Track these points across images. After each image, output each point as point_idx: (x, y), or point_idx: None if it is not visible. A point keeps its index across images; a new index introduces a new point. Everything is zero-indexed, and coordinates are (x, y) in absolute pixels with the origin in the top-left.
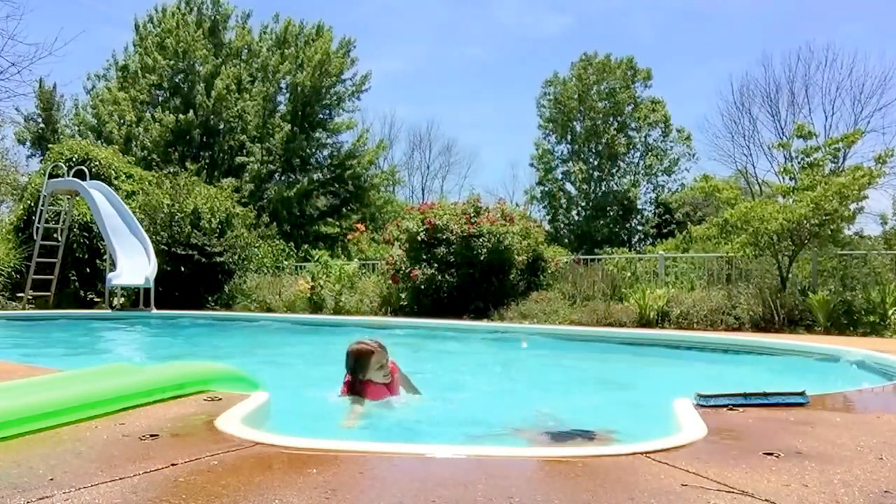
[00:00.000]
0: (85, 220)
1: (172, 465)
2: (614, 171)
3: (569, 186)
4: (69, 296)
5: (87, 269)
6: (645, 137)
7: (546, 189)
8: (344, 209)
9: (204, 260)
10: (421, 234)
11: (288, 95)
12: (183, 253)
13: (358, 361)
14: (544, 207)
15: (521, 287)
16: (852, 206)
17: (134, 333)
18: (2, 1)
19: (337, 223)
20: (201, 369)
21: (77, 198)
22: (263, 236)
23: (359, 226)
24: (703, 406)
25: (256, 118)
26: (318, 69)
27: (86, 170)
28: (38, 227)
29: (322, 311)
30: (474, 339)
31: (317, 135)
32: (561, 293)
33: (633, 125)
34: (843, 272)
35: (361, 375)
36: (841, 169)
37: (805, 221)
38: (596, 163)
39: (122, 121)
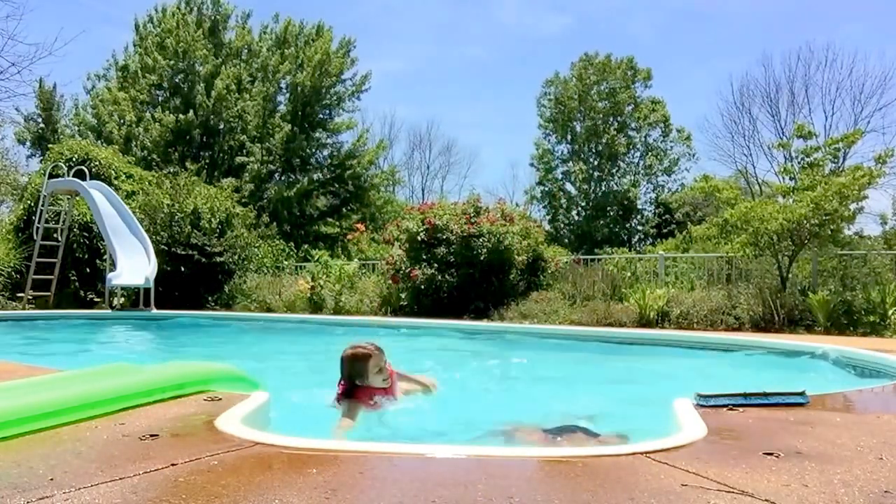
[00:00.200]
0: (85, 220)
1: (172, 465)
2: (614, 171)
3: (569, 186)
4: (69, 296)
5: (87, 269)
6: (645, 137)
7: (546, 189)
8: (344, 209)
9: (204, 260)
10: (421, 234)
11: (288, 95)
12: (183, 253)
13: (355, 367)
14: (544, 207)
15: (521, 287)
16: (852, 206)
17: (134, 333)
18: (2, 1)
19: (337, 223)
20: (201, 369)
21: (77, 198)
22: (263, 236)
23: (359, 226)
24: (703, 406)
25: (256, 118)
26: (318, 69)
27: (86, 170)
28: (38, 227)
29: (322, 311)
30: (474, 339)
31: (317, 135)
32: (561, 293)
33: (633, 125)
34: (843, 272)
35: (360, 381)
36: (841, 169)
37: (805, 221)
38: (596, 163)
39: (122, 121)
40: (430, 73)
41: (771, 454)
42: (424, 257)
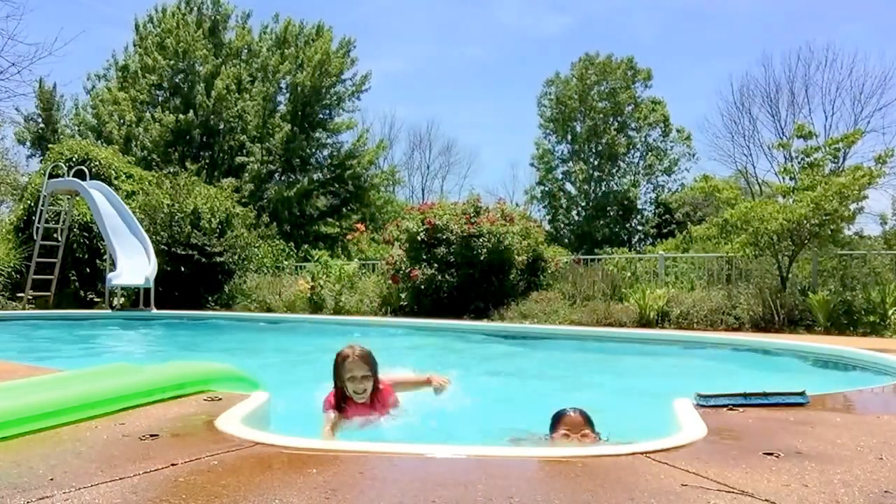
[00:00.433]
0: (85, 220)
1: (172, 465)
2: (614, 171)
3: (569, 186)
4: (69, 296)
5: (87, 269)
6: (645, 137)
7: (546, 189)
8: (344, 209)
9: (204, 260)
10: (421, 234)
11: (288, 95)
12: (183, 253)
13: (334, 366)
14: (544, 207)
15: (521, 287)
16: (852, 206)
17: (134, 333)
18: (2, 1)
19: (337, 223)
20: (201, 369)
21: (77, 198)
22: (263, 236)
23: (359, 226)
24: (703, 406)
25: (256, 118)
26: (318, 69)
27: (86, 170)
28: (38, 227)
29: (322, 311)
30: (474, 339)
31: (317, 135)
32: (561, 293)
33: (633, 125)
34: (843, 272)
35: (338, 382)
36: (841, 169)
37: (805, 221)
38: (596, 163)
39: (122, 121)
40: (430, 73)
41: (771, 454)
42: (424, 257)
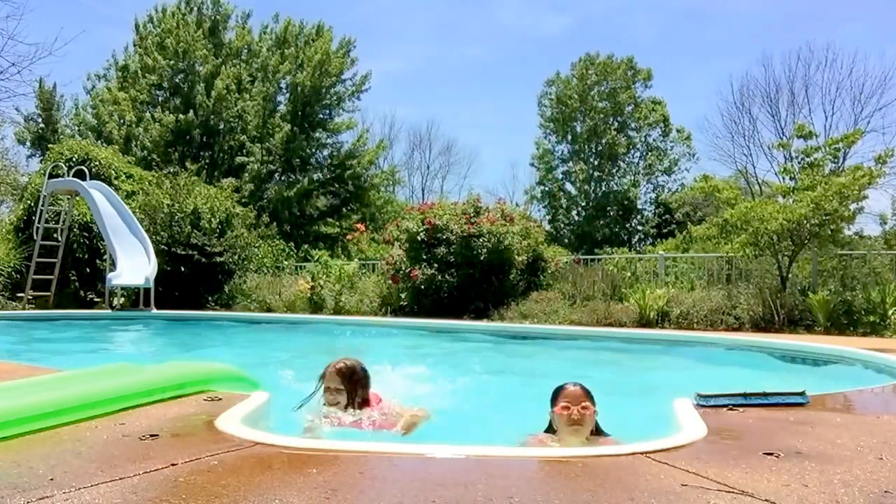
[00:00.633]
0: (85, 220)
1: (172, 465)
2: (614, 171)
3: (569, 186)
4: (69, 296)
5: (87, 269)
6: (645, 137)
7: (546, 189)
8: (344, 209)
9: (204, 260)
10: (421, 234)
11: (288, 95)
12: (183, 253)
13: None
14: (544, 207)
15: (521, 287)
16: (852, 206)
17: (134, 333)
18: (2, 1)
19: (337, 223)
20: (201, 369)
21: (77, 198)
22: (263, 236)
23: (359, 226)
24: (703, 406)
25: (256, 118)
26: (318, 69)
27: (86, 170)
28: (38, 227)
29: (322, 311)
30: (473, 339)
31: (317, 135)
32: (561, 293)
33: (633, 125)
34: (843, 272)
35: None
36: (841, 169)
37: (805, 221)
38: (596, 163)
39: (122, 121)
40: (430, 73)
41: (771, 454)
42: (424, 257)
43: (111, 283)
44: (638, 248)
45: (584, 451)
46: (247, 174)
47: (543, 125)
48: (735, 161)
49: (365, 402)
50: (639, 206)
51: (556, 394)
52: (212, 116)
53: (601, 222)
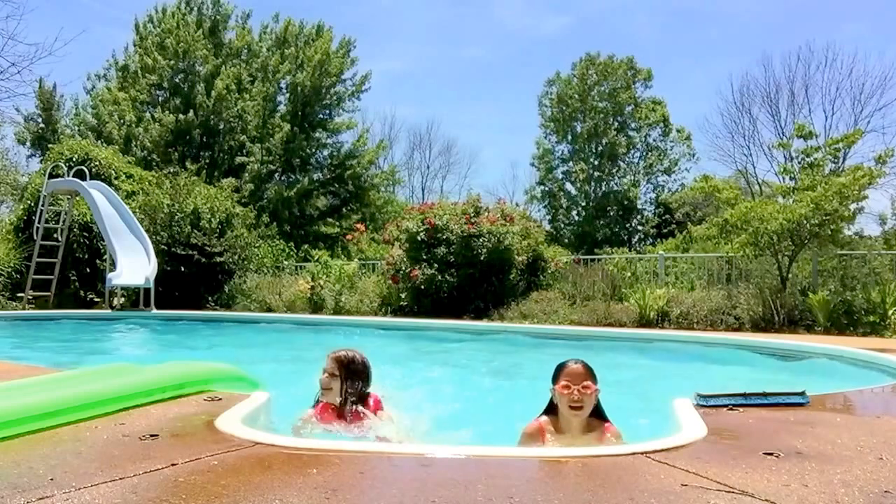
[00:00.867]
0: (85, 220)
1: (172, 465)
2: (614, 171)
3: (569, 186)
4: (69, 296)
5: (87, 269)
6: (645, 137)
7: (546, 189)
8: (344, 209)
9: (204, 260)
10: (421, 234)
11: (288, 95)
12: (183, 253)
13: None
14: (544, 207)
15: (521, 287)
16: (852, 207)
17: (134, 333)
18: (2, 1)
19: (337, 223)
20: (201, 369)
21: (77, 198)
22: (263, 236)
23: (359, 226)
24: (703, 406)
25: (256, 118)
26: (318, 69)
27: (86, 170)
28: (38, 227)
29: (322, 311)
30: (473, 339)
31: (317, 135)
32: (561, 293)
33: (633, 125)
34: (843, 272)
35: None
36: (841, 169)
37: (805, 221)
38: (596, 163)
39: (122, 121)
40: (430, 73)
41: (771, 454)
42: (424, 257)
43: (111, 283)
44: (638, 248)
45: (584, 452)
46: (247, 174)
47: (544, 125)
48: (735, 161)
49: (362, 399)
50: (639, 206)
51: (558, 371)
52: (212, 116)
53: (601, 222)
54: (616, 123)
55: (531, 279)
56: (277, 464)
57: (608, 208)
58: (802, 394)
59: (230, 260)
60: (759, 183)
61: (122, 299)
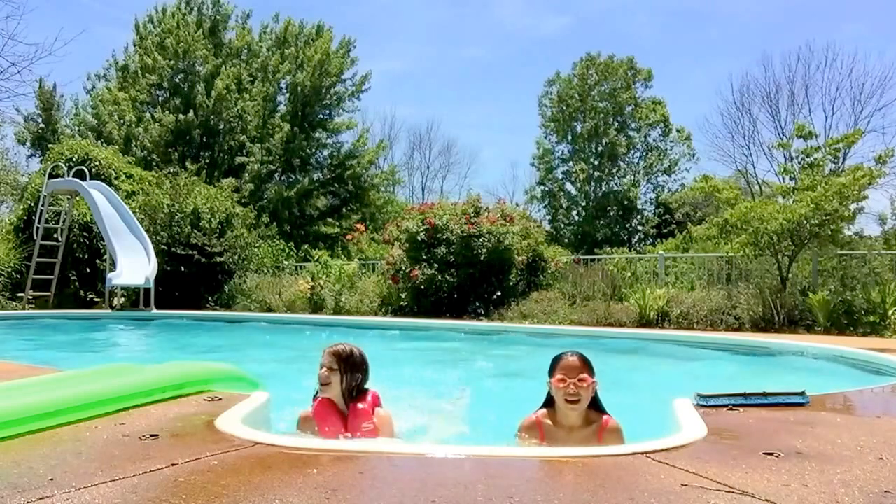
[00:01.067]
0: (85, 220)
1: (172, 465)
2: (615, 171)
3: (569, 186)
4: (69, 296)
5: (87, 269)
6: (645, 137)
7: (546, 189)
8: (344, 209)
9: (204, 260)
10: (421, 234)
11: (288, 95)
12: (183, 253)
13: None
14: (544, 207)
15: (521, 287)
16: (852, 207)
17: (134, 333)
18: (2, 1)
19: (337, 223)
20: (201, 369)
21: (77, 198)
22: (263, 236)
23: (359, 226)
24: (703, 406)
25: (256, 118)
26: (318, 69)
27: (86, 170)
28: (38, 227)
29: (322, 311)
30: (473, 339)
31: (317, 135)
32: (561, 293)
33: (633, 125)
34: (843, 272)
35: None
36: (841, 169)
37: (805, 221)
38: (596, 163)
39: (122, 121)
40: (430, 73)
41: (771, 454)
42: (424, 257)
43: (111, 283)
44: (638, 248)
45: (584, 451)
46: (247, 174)
47: (544, 125)
48: (735, 161)
49: (360, 394)
50: (639, 206)
51: (554, 363)
52: (212, 116)
53: (601, 222)
54: (616, 123)
55: (531, 279)
56: (277, 464)
57: (608, 208)
58: (802, 394)
59: (230, 260)
60: (759, 183)
61: (122, 299)
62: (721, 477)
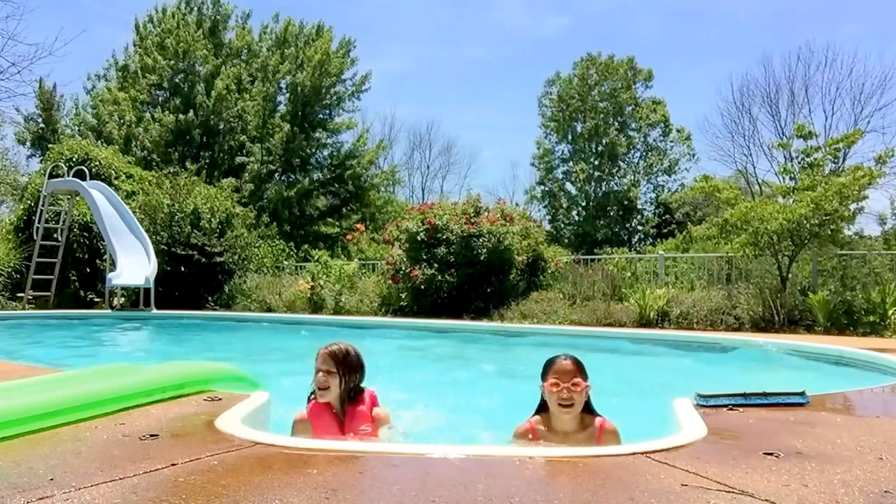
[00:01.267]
0: (85, 220)
1: (172, 465)
2: (615, 171)
3: (569, 186)
4: (69, 296)
5: (87, 269)
6: (645, 137)
7: (546, 189)
8: (344, 209)
9: (204, 260)
10: (421, 234)
11: (288, 95)
12: (183, 253)
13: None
14: (544, 207)
15: (521, 287)
16: (852, 207)
17: (134, 333)
18: (2, 1)
19: (337, 223)
20: (201, 369)
21: (77, 198)
22: (263, 236)
23: (359, 226)
24: (703, 406)
25: (256, 118)
26: (318, 69)
27: (86, 170)
28: (38, 227)
29: (322, 311)
30: (473, 339)
31: (317, 135)
32: (561, 293)
33: (633, 125)
34: (843, 272)
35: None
36: (841, 169)
37: (805, 221)
38: (597, 163)
39: (122, 121)
40: (430, 73)
41: (771, 454)
42: (424, 257)
43: (111, 283)
44: (638, 248)
45: (584, 451)
46: (247, 174)
47: (544, 125)
48: (735, 161)
49: (357, 394)
50: (639, 206)
51: (547, 367)
52: (212, 116)
53: (601, 222)
54: (616, 123)
55: (531, 279)
56: (277, 464)
57: (608, 208)
58: (802, 394)
59: (230, 260)
60: (759, 183)
61: (122, 299)
62: (721, 477)
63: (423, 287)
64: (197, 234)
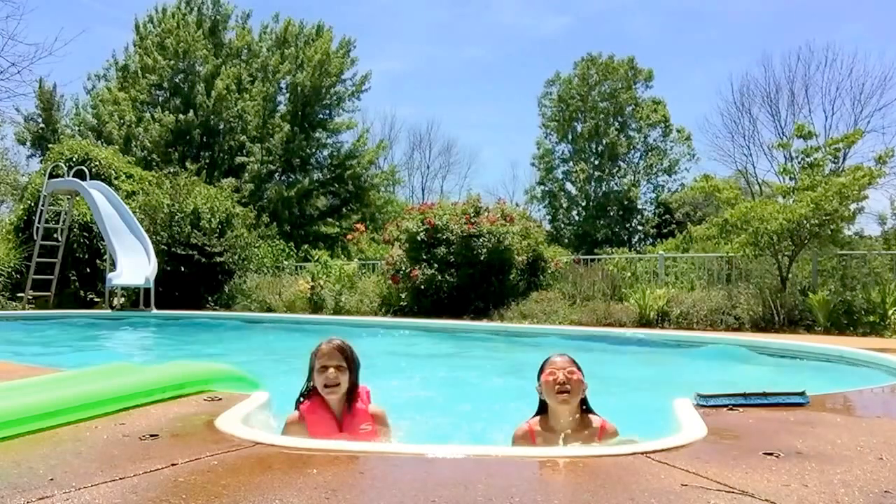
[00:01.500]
0: (85, 220)
1: (172, 465)
2: (615, 171)
3: (569, 186)
4: (69, 296)
5: (87, 269)
6: (645, 137)
7: (547, 189)
8: (344, 209)
9: (204, 260)
10: (421, 234)
11: (288, 95)
12: (183, 253)
13: (309, 364)
14: (544, 207)
15: (521, 287)
16: (852, 207)
17: (134, 333)
18: (2, 1)
19: (337, 223)
20: (201, 369)
21: (77, 198)
22: (263, 236)
23: (359, 226)
24: (702, 406)
25: (256, 118)
26: (318, 69)
27: (86, 170)
28: (38, 227)
29: (322, 311)
30: (473, 339)
31: (317, 135)
32: (561, 293)
33: (633, 125)
34: (843, 272)
35: (310, 379)
36: (841, 169)
37: (805, 221)
38: (597, 163)
39: (122, 121)
40: (430, 73)
41: (771, 454)
42: (424, 257)
43: (111, 283)
44: (638, 248)
45: (584, 451)
46: (247, 174)
47: (544, 125)
48: (735, 161)
49: (353, 391)
50: (639, 206)
51: (542, 366)
52: (212, 116)
53: (601, 222)
54: (616, 123)
55: (531, 279)
56: (277, 464)
57: (608, 208)
58: (802, 394)
59: (230, 260)
60: (759, 183)
61: (122, 299)
62: (721, 477)
63: (423, 287)
64: (197, 234)
